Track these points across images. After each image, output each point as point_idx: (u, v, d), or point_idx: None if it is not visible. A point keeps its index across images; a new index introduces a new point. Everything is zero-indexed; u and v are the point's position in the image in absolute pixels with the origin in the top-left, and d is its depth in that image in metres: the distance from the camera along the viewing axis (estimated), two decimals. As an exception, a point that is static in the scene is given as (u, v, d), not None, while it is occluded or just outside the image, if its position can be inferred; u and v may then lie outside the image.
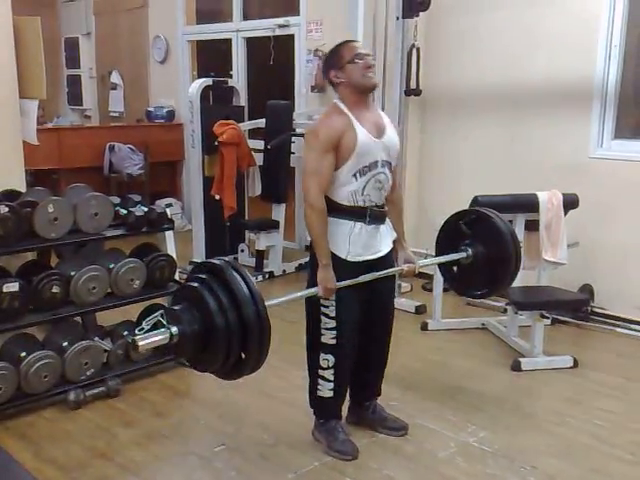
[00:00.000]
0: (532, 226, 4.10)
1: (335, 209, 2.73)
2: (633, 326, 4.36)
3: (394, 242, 2.98)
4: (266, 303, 2.27)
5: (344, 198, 2.73)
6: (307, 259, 2.96)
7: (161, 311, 2.24)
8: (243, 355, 2.26)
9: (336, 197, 2.74)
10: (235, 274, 2.25)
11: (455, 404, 3.36)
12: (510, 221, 4.08)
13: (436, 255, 3.31)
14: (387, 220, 2.90)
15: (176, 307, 2.26)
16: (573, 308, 4.45)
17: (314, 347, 2.87)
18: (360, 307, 2.83)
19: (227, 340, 2.21)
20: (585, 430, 3.13)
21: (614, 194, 4.44)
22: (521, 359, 3.81)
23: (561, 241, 4.11)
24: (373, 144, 2.73)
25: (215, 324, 2.19)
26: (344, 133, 2.67)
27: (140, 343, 2.15)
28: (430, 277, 4.68)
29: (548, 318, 4.19)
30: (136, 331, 2.19)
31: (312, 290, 2.72)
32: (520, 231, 4.09)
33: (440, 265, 3.34)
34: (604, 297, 4.52)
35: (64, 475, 2.75)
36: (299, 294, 2.76)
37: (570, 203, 4.14)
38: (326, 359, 2.83)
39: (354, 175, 2.71)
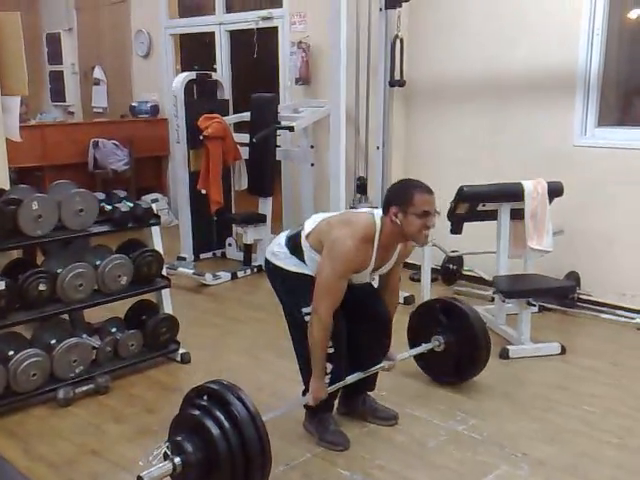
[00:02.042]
0: (517, 215, 4.12)
1: (303, 261, 2.81)
2: (618, 312, 4.41)
3: None
4: (263, 418, 2.37)
5: (313, 271, 2.78)
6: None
7: (167, 443, 2.32)
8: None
9: (309, 264, 2.79)
10: (233, 397, 2.35)
11: (444, 393, 3.38)
12: (496, 210, 4.12)
13: (409, 337, 3.51)
14: None
15: (178, 437, 2.33)
16: (559, 295, 4.49)
17: (306, 363, 2.85)
18: (346, 318, 2.85)
19: (231, 465, 2.28)
20: (574, 415, 3.16)
21: (598, 182, 4.47)
22: (509, 347, 3.84)
23: (546, 229, 4.13)
24: (368, 276, 2.84)
25: (218, 450, 2.27)
26: (361, 265, 2.72)
27: (146, 478, 2.23)
28: (418, 268, 4.70)
29: (535, 306, 4.22)
30: (140, 463, 2.31)
31: (304, 398, 2.85)
32: (505, 220, 4.12)
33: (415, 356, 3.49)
34: (590, 284, 4.56)
35: (54, 472, 2.74)
36: (291, 404, 2.92)
37: (555, 191, 4.16)
38: (312, 405, 2.85)
39: None
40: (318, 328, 2.68)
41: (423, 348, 3.36)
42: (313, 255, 2.77)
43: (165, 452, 2.30)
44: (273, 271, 2.92)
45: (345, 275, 2.69)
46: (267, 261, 2.93)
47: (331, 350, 2.80)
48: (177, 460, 2.28)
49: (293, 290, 2.85)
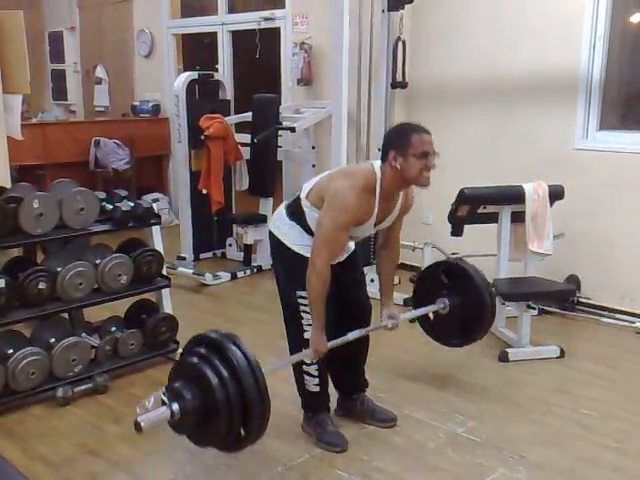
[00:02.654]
0: (518, 217, 4.12)
1: (304, 226, 2.78)
2: (618, 316, 4.41)
3: (381, 297, 3.06)
4: (263, 370, 2.33)
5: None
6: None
7: (163, 389, 2.28)
8: (243, 431, 2.30)
9: (311, 224, 2.75)
10: (234, 347, 2.30)
11: (443, 395, 3.38)
12: (496, 213, 4.12)
13: (413, 303, 3.46)
14: None
15: (176, 384, 2.29)
16: (559, 299, 4.49)
17: (297, 344, 2.87)
18: (336, 304, 2.85)
19: (229, 414, 2.24)
20: (572, 419, 3.16)
21: (599, 185, 4.46)
22: (508, 350, 3.84)
23: (547, 232, 4.13)
24: (371, 228, 2.80)
25: (216, 398, 2.23)
26: (363, 217, 2.68)
27: (143, 424, 2.19)
28: (418, 269, 4.69)
29: (535, 309, 4.20)
30: (137, 410, 2.24)
31: (304, 353, 2.79)
32: (506, 223, 4.12)
33: (419, 318, 3.45)
34: (590, 287, 4.55)
35: (53, 472, 2.74)
36: (292, 358, 2.86)
37: (556, 194, 4.16)
38: (312, 360, 2.84)
39: None
40: (316, 280, 2.64)
41: (427, 309, 3.31)
42: (314, 214, 2.73)
43: (162, 398, 2.25)
44: (276, 246, 2.89)
45: (346, 226, 2.64)
46: (271, 233, 2.92)
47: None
48: (175, 406, 2.23)
49: (291, 271, 2.83)
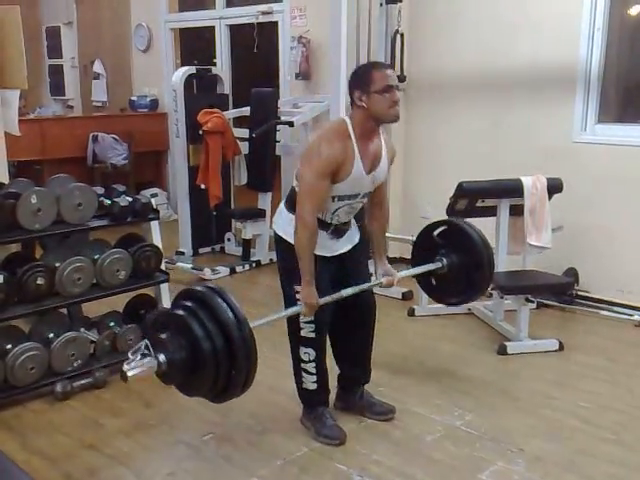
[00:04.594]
0: (517, 211, 4.12)
1: None
2: (617, 309, 4.41)
3: (374, 257, 3.04)
4: (251, 324, 2.32)
5: None
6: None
7: (145, 341, 2.27)
8: (229, 381, 2.29)
9: None
10: (219, 300, 2.28)
11: (442, 388, 3.39)
12: (495, 206, 4.12)
13: (412, 259, 3.40)
14: (351, 224, 2.93)
15: (162, 335, 2.28)
16: (558, 292, 4.49)
17: (295, 341, 2.88)
18: (336, 301, 2.84)
19: (215, 364, 2.24)
20: (570, 412, 3.16)
21: (598, 178, 4.46)
22: (507, 343, 3.84)
23: (545, 225, 4.14)
24: (362, 179, 2.74)
25: (202, 350, 2.23)
26: (343, 162, 2.65)
27: (129, 373, 2.20)
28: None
29: (533, 302, 4.22)
30: (124, 364, 2.24)
31: (296, 308, 2.76)
32: (505, 216, 4.12)
33: (417, 277, 3.40)
34: (588, 280, 4.55)
35: (52, 466, 2.74)
36: (283, 313, 2.80)
37: (554, 187, 4.16)
38: (307, 352, 2.86)
39: (332, 197, 2.72)
40: (303, 232, 2.64)
41: (425, 267, 3.26)
42: None
43: (145, 347, 2.25)
44: (278, 243, 2.90)
45: (325, 173, 2.62)
46: (275, 234, 2.92)
47: (312, 335, 2.82)
48: (162, 357, 2.23)
49: (289, 266, 2.82)
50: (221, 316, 2.25)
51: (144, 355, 2.25)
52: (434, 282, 3.33)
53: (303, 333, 2.82)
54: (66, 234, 3.45)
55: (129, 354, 2.27)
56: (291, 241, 2.76)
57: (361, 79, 2.67)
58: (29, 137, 6.11)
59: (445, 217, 4.18)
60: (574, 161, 4.51)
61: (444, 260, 3.22)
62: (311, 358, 2.86)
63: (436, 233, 3.28)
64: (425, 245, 3.34)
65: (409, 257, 4.56)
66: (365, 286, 2.92)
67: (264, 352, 3.89)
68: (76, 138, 7.00)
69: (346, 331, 2.99)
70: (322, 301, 2.73)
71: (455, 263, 3.21)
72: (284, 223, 2.84)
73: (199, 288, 2.37)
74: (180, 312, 2.31)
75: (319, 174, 2.62)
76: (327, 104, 4.99)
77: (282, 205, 2.91)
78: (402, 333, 4.07)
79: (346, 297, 2.83)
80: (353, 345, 3.05)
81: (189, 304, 2.32)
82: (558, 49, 4.54)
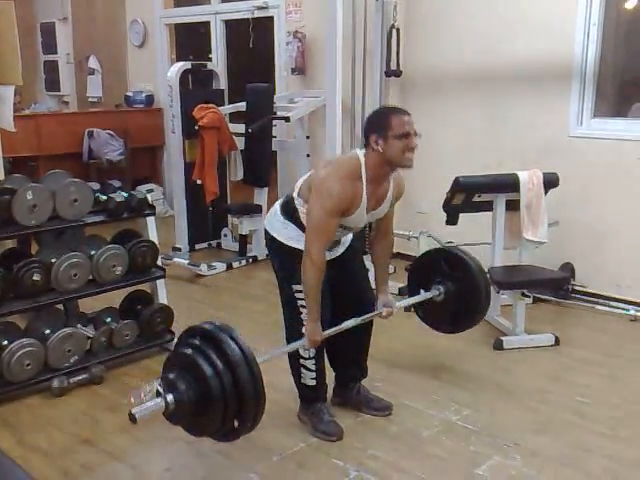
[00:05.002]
0: (513, 206, 4.12)
1: (298, 224, 2.77)
2: (613, 303, 4.42)
3: (376, 286, 3.07)
4: (258, 360, 2.33)
5: None
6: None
7: (158, 380, 2.27)
8: (237, 422, 2.29)
9: (304, 221, 2.73)
10: (227, 337, 2.29)
11: (439, 384, 3.39)
12: (491, 201, 4.12)
13: (408, 286, 3.49)
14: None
15: (170, 375, 2.28)
16: (554, 286, 4.50)
17: (294, 337, 2.87)
18: (333, 299, 2.86)
19: (223, 403, 2.24)
20: (566, 406, 3.17)
21: (594, 172, 4.47)
22: (503, 338, 3.85)
23: (542, 220, 4.14)
24: (362, 216, 2.76)
25: (210, 389, 2.22)
26: (352, 202, 2.66)
27: (138, 415, 2.19)
28: (413, 258, 4.69)
29: (529, 297, 4.23)
30: (132, 400, 2.24)
31: (299, 342, 2.78)
32: (501, 211, 4.12)
33: (414, 306, 3.47)
34: (584, 275, 4.56)
35: (49, 462, 2.74)
36: (287, 348, 2.84)
37: (550, 182, 4.16)
38: (307, 349, 2.85)
39: None
40: (311, 269, 2.64)
41: (422, 296, 3.31)
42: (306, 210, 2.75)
43: (157, 389, 2.25)
44: (270, 243, 2.91)
45: (334, 213, 2.63)
46: (266, 231, 2.93)
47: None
48: (170, 397, 2.23)
49: (286, 265, 2.84)
50: (229, 355, 2.25)
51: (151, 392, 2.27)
52: (430, 309, 3.40)
53: (304, 330, 2.82)
54: (62, 230, 3.44)
55: (141, 393, 2.27)
56: (284, 241, 2.80)
57: (379, 123, 2.66)
58: (24, 133, 6.09)
59: (444, 216, 4.22)
60: (570, 156, 4.52)
61: (441, 288, 3.29)
62: (311, 355, 2.86)
63: (434, 259, 3.37)
64: (421, 272, 3.43)
65: (405, 252, 4.55)
66: (365, 317, 2.95)
67: (261, 348, 3.90)
68: (71, 134, 6.97)
69: (345, 331, 2.97)
70: (325, 334, 2.77)
71: (452, 291, 3.28)
72: (279, 226, 2.85)
73: (206, 326, 2.37)
74: (187, 351, 2.31)
75: (328, 212, 2.62)
76: (323, 99, 4.98)
77: (277, 207, 2.91)
78: (398, 329, 4.06)
79: (346, 328, 2.86)
80: (350, 345, 3.04)
81: (196, 342, 2.32)
82: (554, 44, 4.54)
